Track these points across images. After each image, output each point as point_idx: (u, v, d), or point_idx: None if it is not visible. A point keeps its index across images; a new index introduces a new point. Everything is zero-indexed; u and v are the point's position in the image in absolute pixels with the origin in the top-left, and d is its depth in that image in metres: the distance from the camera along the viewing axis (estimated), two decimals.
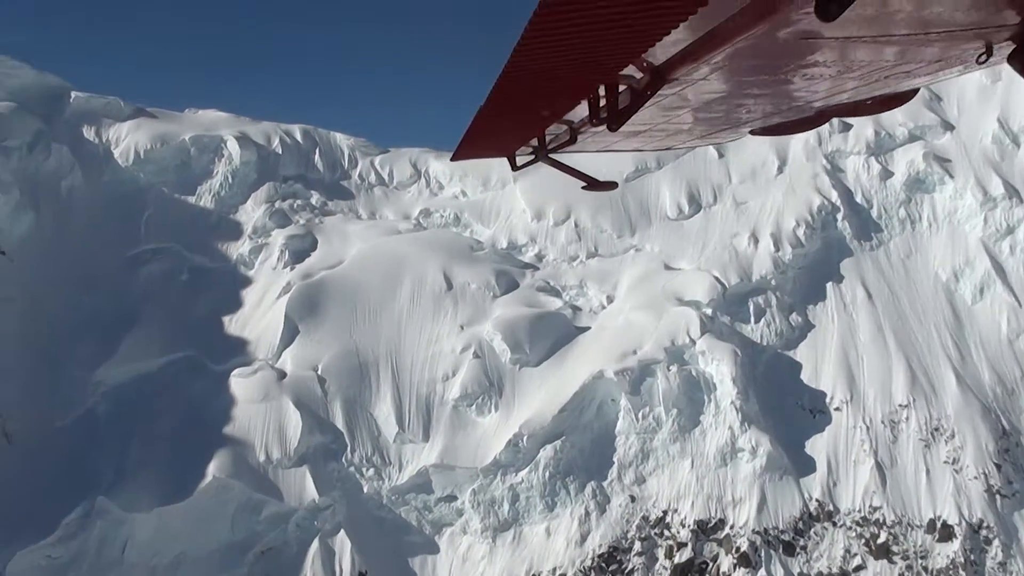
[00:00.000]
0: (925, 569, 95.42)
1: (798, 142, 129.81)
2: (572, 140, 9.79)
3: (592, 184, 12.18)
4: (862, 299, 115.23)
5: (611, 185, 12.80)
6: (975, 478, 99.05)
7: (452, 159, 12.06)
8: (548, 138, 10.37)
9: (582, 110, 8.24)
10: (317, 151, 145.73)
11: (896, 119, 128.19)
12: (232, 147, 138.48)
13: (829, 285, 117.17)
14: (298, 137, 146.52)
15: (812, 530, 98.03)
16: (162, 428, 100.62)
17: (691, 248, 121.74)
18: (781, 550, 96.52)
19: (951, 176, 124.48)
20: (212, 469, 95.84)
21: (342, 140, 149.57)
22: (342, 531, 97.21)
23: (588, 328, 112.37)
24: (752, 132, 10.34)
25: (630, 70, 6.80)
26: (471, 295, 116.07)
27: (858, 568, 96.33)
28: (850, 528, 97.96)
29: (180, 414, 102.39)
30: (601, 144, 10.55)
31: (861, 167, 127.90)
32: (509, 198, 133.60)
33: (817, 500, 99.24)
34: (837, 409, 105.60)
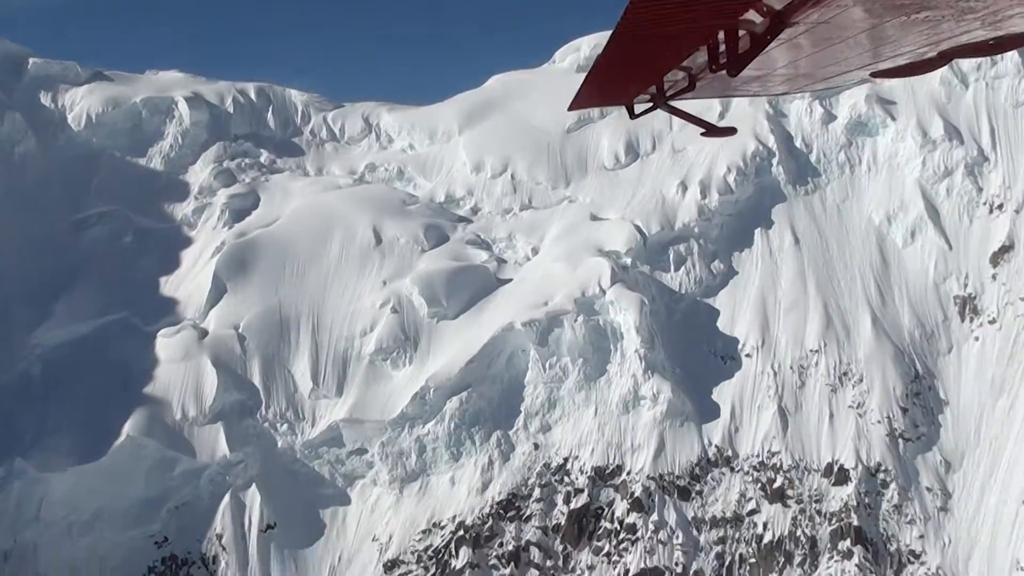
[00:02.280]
0: (818, 512, 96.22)
1: None
2: (690, 87, 9.84)
3: (711, 130, 11.53)
4: (789, 245, 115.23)
5: (730, 131, 11.99)
6: (878, 422, 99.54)
7: (569, 108, 12.38)
8: (666, 85, 10.31)
9: (701, 56, 8.40)
10: (270, 109, 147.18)
11: None
12: (183, 108, 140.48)
13: (758, 231, 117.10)
14: (252, 95, 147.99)
15: (709, 475, 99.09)
16: (85, 390, 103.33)
17: (621, 198, 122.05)
18: (676, 495, 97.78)
19: (893, 118, 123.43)
20: (128, 428, 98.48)
21: (296, 96, 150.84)
22: (253, 485, 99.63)
23: (511, 280, 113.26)
24: (873, 75, 10.13)
25: (751, 14, 6.94)
26: (399, 250, 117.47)
27: (752, 512, 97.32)
28: (747, 473, 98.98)
29: (105, 375, 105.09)
30: (719, 90, 10.55)
31: (804, 111, 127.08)
32: (453, 151, 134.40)
33: (716, 446, 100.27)
34: (748, 356, 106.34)
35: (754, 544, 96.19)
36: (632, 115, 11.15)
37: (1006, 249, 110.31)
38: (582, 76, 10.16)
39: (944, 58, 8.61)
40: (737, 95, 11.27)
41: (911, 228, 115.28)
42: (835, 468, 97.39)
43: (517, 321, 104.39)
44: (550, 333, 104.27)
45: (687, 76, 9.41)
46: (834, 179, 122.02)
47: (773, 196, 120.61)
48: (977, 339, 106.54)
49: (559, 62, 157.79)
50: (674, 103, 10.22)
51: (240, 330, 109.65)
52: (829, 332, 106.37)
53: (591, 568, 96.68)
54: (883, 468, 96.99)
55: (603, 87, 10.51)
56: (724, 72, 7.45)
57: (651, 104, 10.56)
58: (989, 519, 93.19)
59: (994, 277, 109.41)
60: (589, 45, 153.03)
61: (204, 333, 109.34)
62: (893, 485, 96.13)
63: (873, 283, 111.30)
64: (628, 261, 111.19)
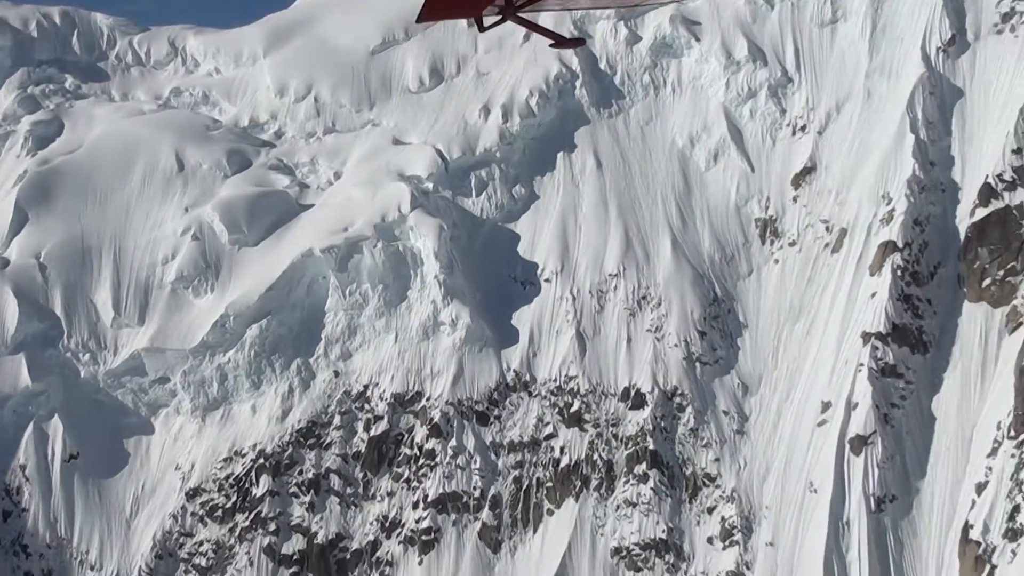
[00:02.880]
0: (615, 436, 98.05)
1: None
2: None
3: (559, 42, 11.57)
4: (591, 168, 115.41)
5: (579, 42, 12.46)
6: (675, 346, 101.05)
7: (417, 20, 11.20)
8: None
9: None
10: (75, 33, 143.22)
11: None
12: None
13: (560, 155, 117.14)
14: (56, 19, 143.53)
15: (508, 400, 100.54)
16: None
17: (424, 122, 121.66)
18: (475, 420, 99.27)
19: (698, 39, 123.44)
20: None
21: (101, 20, 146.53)
22: (56, 416, 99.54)
23: (312, 206, 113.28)
24: None
25: None
26: (201, 176, 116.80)
27: (549, 436, 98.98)
28: (545, 398, 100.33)
29: None
30: (566, 1, 10.32)
31: (609, 32, 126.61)
32: (258, 74, 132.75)
33: (515, 371, 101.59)
34: (547, 280, 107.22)
35: (551, 468, 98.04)
36: (481, 28, 10.97)
37: (808, 171, 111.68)
38: None
39: None
40: (583, 7, 12.43)
41: (714, 150, 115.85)
42: (632, 392, 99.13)
43: (317, 247, 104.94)
44: (350, 259, 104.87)
45: None
46: (638, 101, 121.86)
47: (576, 119, 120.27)
48: (777, 262, 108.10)
49: None
50: (522, 14, 10.11)
51: (41, 259, 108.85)
52: (629, 256, 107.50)
53: (391, 494, 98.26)
54: (680, 392, 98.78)
55: None
56: None
57: (500, 16, 10.29)
58: (784, 442, 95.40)
59: (795, 199, 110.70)
60: None
61: (5, 263, 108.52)
62: (689, 409, 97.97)
63: (675, 206, 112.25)
64: (429, 186, 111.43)
